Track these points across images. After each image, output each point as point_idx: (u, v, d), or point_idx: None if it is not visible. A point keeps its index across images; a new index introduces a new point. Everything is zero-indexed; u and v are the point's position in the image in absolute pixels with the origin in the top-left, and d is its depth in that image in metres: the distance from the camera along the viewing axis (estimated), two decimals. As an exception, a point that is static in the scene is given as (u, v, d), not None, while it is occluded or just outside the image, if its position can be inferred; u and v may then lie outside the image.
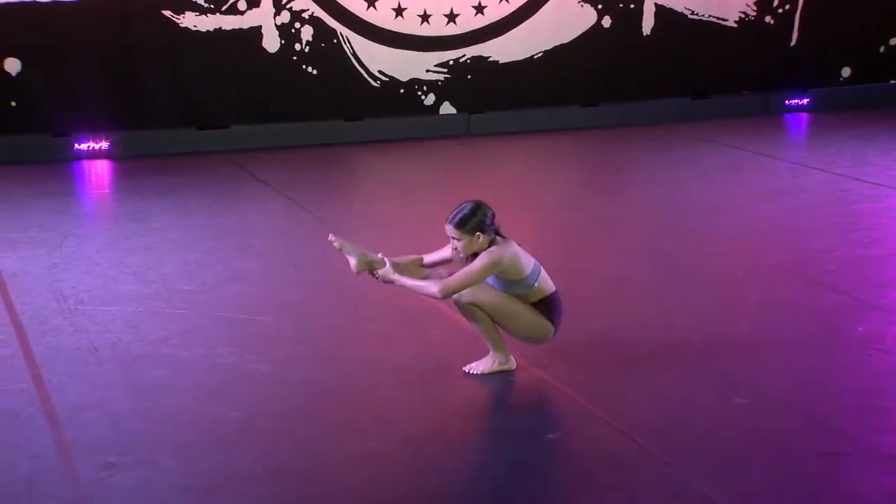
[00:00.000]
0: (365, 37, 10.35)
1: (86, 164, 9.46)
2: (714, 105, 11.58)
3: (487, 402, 4.86)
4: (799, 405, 4.71)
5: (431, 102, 10.66)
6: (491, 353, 4.99)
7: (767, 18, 11.65)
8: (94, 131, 9.63)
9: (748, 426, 4.51)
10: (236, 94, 10.05)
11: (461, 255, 4.87)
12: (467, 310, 4.90)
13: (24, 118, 9.49)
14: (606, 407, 4.64)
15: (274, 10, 10.01)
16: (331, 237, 4.99)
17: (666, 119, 11.22)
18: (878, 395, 4.83)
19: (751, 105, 11.74)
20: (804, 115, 11.74)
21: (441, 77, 10.66)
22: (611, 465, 4.20)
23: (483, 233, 4.80)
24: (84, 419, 4.55)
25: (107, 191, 8.87)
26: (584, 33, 11.02)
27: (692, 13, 11.38)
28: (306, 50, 10.16)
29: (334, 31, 10.23)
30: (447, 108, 10.72)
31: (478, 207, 4.83)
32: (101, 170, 9.36)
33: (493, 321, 4.93)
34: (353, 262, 4.93)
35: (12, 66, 9.39)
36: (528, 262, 4.88)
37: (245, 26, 9.96)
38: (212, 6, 9.81)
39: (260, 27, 10.01)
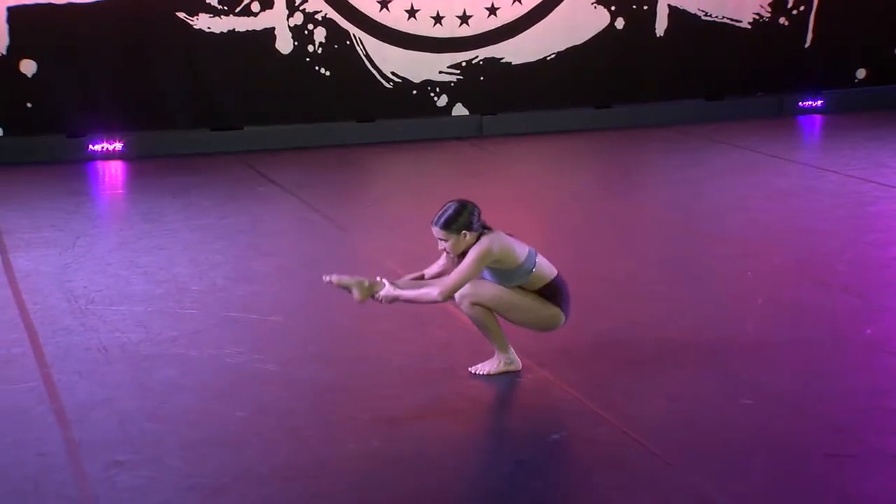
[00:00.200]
0: (378, 38, 10.38)
1: (100, 164, 9.53)
2: (727, 106, 11.55)
3: (492, 403, 4.88)
4: (804, 406, 4.71)
5: (444, 104, 10.68)
6: (496, 354, 5.00)
7: (781, 20, 11.62)
8: (108, 132, 9.69)
9: (752, 427, 4.51)
10: (249, 95, 10.10)
11: (451, 256, 4.89)
12: (472, 312, 4.91)
13: (40, 119, 9.56)
14: (611, 407, 4.64)
15: (287, 12, 10.05)
16: (325, 278, 4.94)
17: (679, 120, 11.20)
18: (885, 396, 4.82)
19: (764, 106, 11.71)
20: (818, 117, 11.70)
21: (454, 78, 10.67)
22: (614, 465, 4.21)
23: (469, 230, 4.81)
24: (92, 418, 4.58)
25: (120, 191, 8.93)
26: (597, 35, 11.01)
27: (706, 14, 11.36)
28: (319, 51, 10.19)
29: (347, 32, 10.27)
30: (460, 110, 10.73)
31: (462, 206, 4.83)
32: (114, 170, 9.42)
33: (502, 316, 4.93)
34: (355, 293, 4.91)
35: (28, 67, 9.46)
36: (521, 248, 4.87)
37: (258, 28, 10.00)
38: (225, 8, 9.86)
39: (273, 29, 10.05)
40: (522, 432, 4.58)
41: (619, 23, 11.06)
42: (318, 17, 10.15)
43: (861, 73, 11.97)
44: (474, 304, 4.89)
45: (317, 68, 10.21)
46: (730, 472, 4.15)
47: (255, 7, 9.95)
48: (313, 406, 4.73)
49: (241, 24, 9.94)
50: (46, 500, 3.97)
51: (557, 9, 10.85)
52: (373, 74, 10.41)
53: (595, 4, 10.97)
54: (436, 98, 10.65)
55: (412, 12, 10.46)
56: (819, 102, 11.80)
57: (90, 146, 9.65)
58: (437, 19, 10.54)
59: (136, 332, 5.53)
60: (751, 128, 10.93)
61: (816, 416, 4.62)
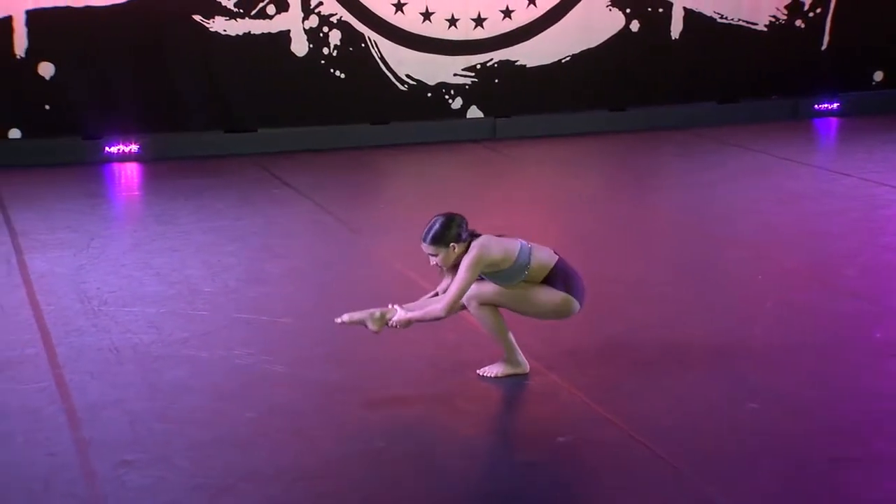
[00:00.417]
0: (393, 41, 10.41)
1: (115, 166, 9.59)
2: (742, 109, 11.54)
3: (500, 405, 4.90)
4: (811, 410, 4.71)
5: (459, 106, 10.70)
6: (505, 356, 5.02)
7: (798, 22, 11.60)
8: (125, 134, 9.75)
9: (759, 430, 4.51)
10: (264, 97, 10.14)
11: (442, 269, 4.91)
12: (480, 313, 4.93)
13: (57, 121, 9.63)
14: (618, 410, 4.66)
15: (302, 15, 10.09)
16: (337, 321, 4.97)
17: (694, 123, 11.20)
18: (892, 400, 4.82)
19: (779, 109, 11.68)
20: (834, 120, 11.67)
21: (468, 81, 10.69)
22: (620, 468, 4.23)
23: (458, 242, 4.83)
24: (102, 418, 4.62)
25: (135, 193, 8.98)
26: (612, 37, 11.02)
27: (721, 17, 11.35)
28: (334, 54, 10.23)
29: (362, 35, 10.30)
30: (474, 112, 10.76)
31: (449, 220, 4.85)
32: (129, 172, 9.48)
33: (514, 311, 4.95)
34: (369, 326, 4.94)
35: (46, 69, 9.53)
36: (511, 246, 4.87)
37: (274, 30, 10.04)
38: (241, 11, 9.91)
39: (288, 31, 10.09)
40: (529, 434, 4.60)
41: (634, 25, 11.06)
42: (334, 19, 10.19)
43: (878, 76, 11.94)
44: (482, 304, 4.91)
45: (332, 71, 10.25)
46: (735, 476, 4.16)
47: (271, 10, 10.00)
48: (321, 407, 4.77)
49: (257, 26, 9.99)
50: (56, 498, 4.01)
51: (572, 11, 10.86)
52: (388, 77, 10.44)
53: (610, 7, 10.98)
54: (450, 100, 10.68)
55: (427, 15, 10.49)
56: (835, 105, 11.77)
57: (106, 148, 9.71)
58: (452, 22, 10.57)
59: (147, 333, 5.58)
60: (765, 131, 10.91)
61: (823, 420, 4.62)
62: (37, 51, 9.47)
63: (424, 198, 8.72)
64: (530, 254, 4.88)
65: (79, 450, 4.35)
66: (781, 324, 5.73)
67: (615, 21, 11.02)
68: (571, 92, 10.96)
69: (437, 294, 5.03)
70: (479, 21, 10.63)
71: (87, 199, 8.38)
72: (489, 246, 4.81)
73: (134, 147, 9.75)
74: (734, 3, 11.35)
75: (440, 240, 4.82)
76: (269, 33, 10.03)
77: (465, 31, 10.61)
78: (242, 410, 4.71)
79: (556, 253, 4.99)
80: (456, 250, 4.83)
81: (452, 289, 4.81)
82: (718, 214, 7.99)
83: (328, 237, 7.45)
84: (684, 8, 11.19)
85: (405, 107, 10.52)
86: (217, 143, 10.06)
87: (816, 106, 11.74)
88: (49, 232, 7.42)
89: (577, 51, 10.94)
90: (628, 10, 11.02)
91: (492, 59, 10.73)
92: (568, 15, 10.86)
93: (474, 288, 4.87)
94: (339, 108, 10.32)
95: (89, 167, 9.46)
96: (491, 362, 5.07)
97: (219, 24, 9.88)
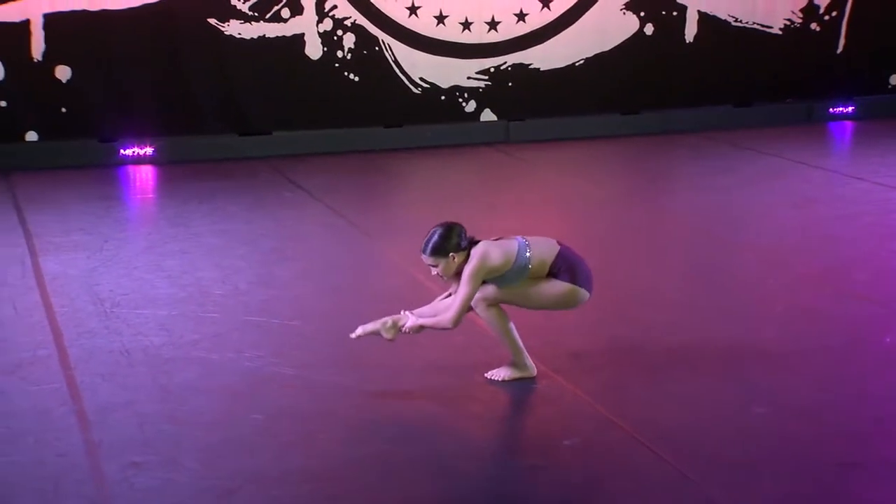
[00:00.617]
0: (407, 44, 10.45)
1: (130, 168, 9.66)
2: (756, 113, 11.51)
3: (507, 408, 4.92)
4: (819, 414, 4.70)
5: (472, 109, 10.73)
6: (512, 359, 5.04)
7: (813, 25, 11.57)
8: (140, 137, 9.82)
9: (766, 435, 4.51)
10: (279, 100, 10.20)
11: (444, 278, 4.93)
12: (488, 315, 4.95)
13: (73, 124, 9.71)
14: (625, 414, 4.67)
15: (317, 18, 10.14)
16: (352, 335, 5.02)
17: (707, 127, 11.18)
18: (900, 406, 4.81)
19: (794, 113, 11.65)
20: (849, 124, 11.63)
21: (482, 84, 10.72)
22: (625, 472, 4.24)
23: (458, 252, 4.84)
24: (112, 419, 4.67)
25: (149, 195, 9.05)
26: (626, 40, 11.02)
27: (736, 20, 11.34)
28: (348, 57, 10.28)
29: (376, 38, 10.34)
30: (488, 115, 10.78)
31: (448, 230, 4.86)
32: (144, 175, 9.55)
33: (522, 307, 4.97)
34: (385, 336, 4.98)
35: (63, 73, 9.61)
36: (510, 248, 4.88)
37: (288, 34, 10.10)
38: (256, 14, 9.97)
39: (303, 35, 10.15)
40: (535, 437, 4.62)
41: (649, 29, 11.06)
42: (348, 23, 10.23)
43: (894, 79, 11.89)
44: (490, 305, 4.93)
45: (346, 74, 10.30)
46: (741, 481, 4.15)
47: (285, 13, 10.05)
48: (329, 410, 4.79)
49: (272, 30, 10.05)
50: (65, 499, 4.05)
51: (586, 15, 10.87)
52: (401, 80, 10.48)
53: (624, 10, 10.98)
54: (464, 103, 10.70)
55: (441, 18, 10.52)
56: (850, 109, 11.73)
57: (121, 151, 9.78)
58: (466, 25, 10.60)
59: (158, 335, 5.62)
60: (779, 134, 10.89)
61: (831, 425, 4.62)
62: (54, 54, 9.55)
63: (437, 201, 8.74)
64: (529, 252, 4.88)
65: (88, 451, 4.39)
66: (791, 328, 5.72)
67: (629, 24, 11.03)
68: (585, 95, 10.97)
69: (449, 295, 5.05)
70: (492, 24, 10.66)
71: (101, 201, 8.44)
72: (488, 254, 4.83)
73: (149, 150, 9.82)
74: (749, 6, 11.33)
75: (439, 251, 4.84)
76: (284, 37, 10.09)
77: (479, 35, 10.63)
78: (251, 412, 4.74)
79: (558, 243, 4.99)
80: (456, 260, 4.85)
81: (456, 301, 4.84)
82: (731, 218, 7.98)
83: (340, 240, 7.48)
84: (699, 11, 11.18)
85: (419, 110, 10.55)
86: (231, 145, 10.12)
87: (831, 109, 11.71)
88: (63, 234, 7.49)
89: (590, 54, 10.95)
90: (642, 14, 11.02)
91: (506, 63, 10.75)
92: (582, 18, 10.87)
93: (480, 291, 4.89)
94: (353, 111, 10.36)
95: (104, 170, 9.53)
96: (498, 365, 5.09)
97: (234, 28, 9.95)
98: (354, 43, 10.27)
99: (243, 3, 9.92)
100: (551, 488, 4.12)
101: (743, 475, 4.19)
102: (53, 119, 9.65)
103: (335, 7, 10.17)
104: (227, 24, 9.93)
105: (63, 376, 5.11)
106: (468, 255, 4.85)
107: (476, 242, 4.90)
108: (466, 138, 10.63)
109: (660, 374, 5.10)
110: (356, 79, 10.32)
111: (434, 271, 4.92)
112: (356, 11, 10.24)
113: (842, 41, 11.69)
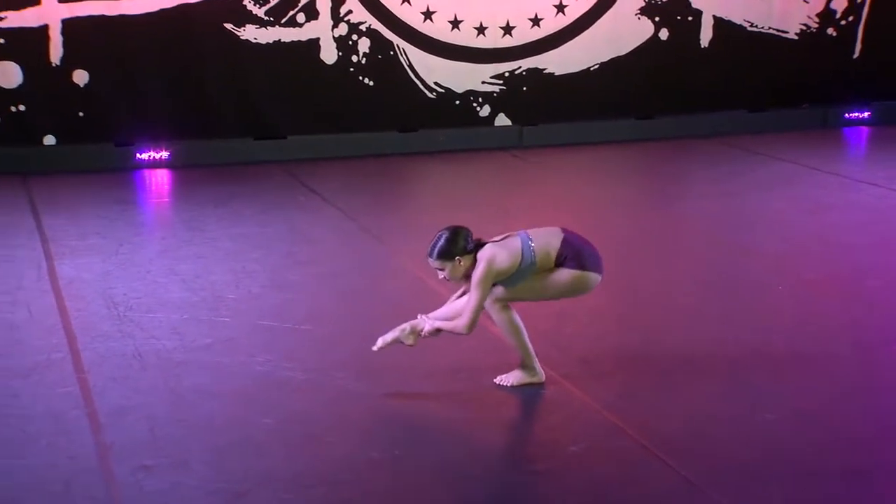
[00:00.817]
0: (421, 49, 10.48)
1: (146, 172, 9.72)
2: (771, 118, 11.49)
3: (515, 413, 4.95)
4: (826, 422, 4.71)
5: (486, 114, 10.76)
6: (521, 364, 5.07)
7: (830, 30, 11.54)
8: (156, 141, 9.89)
9: (773, 442, 4.52)
10: (294, 104, 10.25)
11: (450, 281, 4.96)
12: (502, 316, 4.97)
13: (90, 128, 9.77)
14: (632, 420, 4.69)
15: (332, 23, 10.19)
16: (374, 348, 5.07)
17: (722, 132, 11.17)
18: (908, 414, 4.81)
19: (809, 118, 11.62)
20: (864, 129, 11.60)
21: (497, 89, 10.75)
22: (630, 478, 4.26)
23: (464, 255, 4.87)
24: (124, 422, 4.71)
25: (164, 199, 9.11)
26: (641, 45, 11.02)
27: (751, 25, 11.32)
28: (363, 62, 10.32)
29: (391, 43, 10.38)
30: (502, 120, 10.81)
31: (454, 234, 4.89)
32: (160, 179, 9.62)
33: (535, 301, 4.98)
34: (406, 342, 5.03)
35: (81, 77, 9.69)
36: (514, 246, 4.90)
37: (303, 38, 10.15)
38: (271, 19, 10.02)
39: (318, 39, 10.19)
40: (541, 443, 4.64)
41: (664, 33, 11.06)
42: (363, 27, 10.27)
43: (912, 84, 11.85)
44: (503, 308, 4.96)
45: (360, 78, 10.34)
46: (747, 488, 4.17)
47: (301, 18, 10.10)
48: (339, 414, 4.83)
49: (287, 34, 10.10)
50: (75, 501, 4.10)
51: (601, 20, 10.88)
52: (416, 84, 10.52)
53: (639, 15, 10.99)
54: (478, 108, 10.73)
55: (456, 23, 10.55)
56: (866, 114, 11.69)
57: (137, 154, 9.85)
58: (481, 30, 10.62)
59: (171, 338, 5.67)
60: (794, 139, 10.87)
61: (837, 432, 4.62)
62: (72, 59, 9.62)
63: (450, 206, 8.77)
64: (533, 245, 4.90)
65: (99, 454, 4.44)
66: (800, 334, 5.73)
67: (644, 29, 11.03)
68: (599, 100, 10.97)
69: (464, 293, 5.06)
70: (507, 29, 10.68)
71: (117, 205, 8.51)
72: (495, 258, 4.85)
73: (164, 154, 9.89)
74: (765, 11, 11.31)
75: (446, 254, 4.87)
76: (299, 41, 10.13)
77: (493, 40, 10.66)
78: (261, 416, 4.78)
79: (562, 229, 5.01)
80: (462, 263, 4.88)
81: (468, 308, 4.86)
82: (743, 224, 7.98)
83: (353, 245, 7.52)
84: (714, 16, 11.17)
85: (433, 114, 10.59)
86: (246, 149, 10.17)
87: (847, 115, 11.67)
88: (79, 238, 7.55)
89: (605, 59, 10.96)
90: (657, 19, 11.02)
91: (520, 67, 10.77)
92: (597, 23, 10.87)
93: (491, 294, 4.92)
94: (368, 115, 10.40)
95: (121, 173, 9.60)
96: (508, 370, 5.12)
97: (249, 33, 10.00)
98: (369, 47, 10.31)
99: (259, 8, 9.98)
100: (556, 494, 4.14)
101: (749, 482, 4.21)
102: (71, 123, 9.72)
103: (350, 12, 10.21)
104: (243, 28, 9.98)
105: (76, 379, 5.16)
106: (474, 259, 4.88)
107: (482, 245, 4.92)
108: (480, 143, 10.65)
109: (668, 381, 5.12)
110: (371, 83, 10.36)
111: (441, 275, 4.95)
112: (371, 16, 10.28)
113: (858, 46, 11.66)
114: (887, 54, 11.61)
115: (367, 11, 10.26)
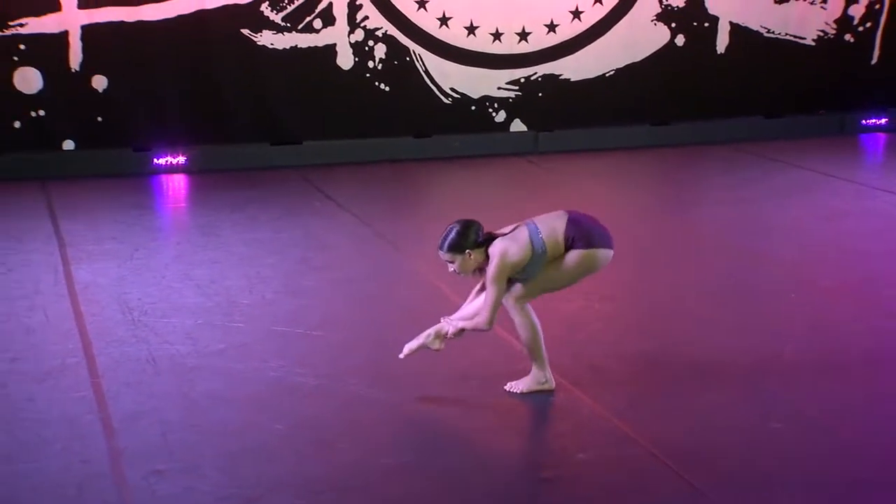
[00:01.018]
0: (437, 54, 10.51)
1: (163, 178, 9.78)
2: (787, 124, 11.47)
3: (524, 421, 4.96)
4: (836, 431, 4.71)
5: (502, 119, 10.78)
6: (532, 371, 5.08)
7: (847, 36, 11.51)
8: (173, 146, 9.95)
9: (782, 451, 4.52)
10: (310, 110, 10.29)
11: (460, 275, 4.97)
12: (521, 316, 4.97)
13: (109, 133, 9.84)
14: (641, 428, 4.69)
15: (348, 29, 10.23)
16: (401, 356, 5.11)
17: (738, 138, 11.15)
18: (920, 423, 4.80)
19: (825, 125, 11.59)
20: (882, 136, 11.56)
21: (512, 94, 10.76)
22: (639, 486, 4.26)
23: (474, 249, 4.88)
24: (136, 427, 4.75)
25: (181, 204, 9.16)
26: (656, 51, 11.02)
27: (768, 31, 11.31)
28: (379, 67, 10.36)
29: (407, 48, 10.42)
30: (518, 126, 10.83)
31: (465, 227, 4.91)
32: (177, 184, 9.67)
33: (553, 289, 4.99)
34: (434, 347, 5.06)
35: (99, 82, 9.76)
36: (523, 237, 4.89)
37: (320, 44, 10.20)
38: (288, 25, 10.08)
39: (334, 45, 10.24)
40: (551, 450, 4.65)
41: (680, 40, 11.06)
42: (379, 33, 10.31)
43: (930, 91, 11.81)
44: (523, 308, 4.97)
45: (376, 84, 10.37)
46: (755, 497, 4.17)
47: (318, 24, 10.15)
48: (350, 420, 4.85)
49: (304, 40, 10.15)
50: (88, 505, 4.14)
51: (617, 26, 10.88)
52: (432, 90, 10.55)
53: (655, 21, 10.99)
54: (494, 114, 10.75)
55: (472, 29, 10.57)
56: (883, 121, 11.65)
57: (155, 160, 9.92)
58: (497, 36, 10.65)
59: (184, 344, 5.71)
60: (810, 146, 10.84)
61: (846, 442, 4.62)
62: (91, 64, 9.70)
63: (465, 212, 8.71)
64: (541, 237, 4.89)
65: (112, 458, 4.48)
66: (813, 342, 5.72)
67: (660, 35, 11.02)
68: (615, 106, 10.98)
69: (481, 290, 5.07)
70: (523, 35, 10.70)
71: (134, 210, 8.56)
72: (507, 251, 4.85)
73: (182, 159, 9.95)
74: (782, 17, 11.30)
75: (456, 247, 4.89)
76: (316, 47, 10.18)
77: (509, 45, 10.68)
78: (273, 422, 4.81)
79: (566, 212, 5.01)
80: (472, 257, 4.89)
81: (487, 303, 4.87)
82: (758, 231, 7.97)
83: (367, 250, 7.55)
84: (731, 22, 11.16)
85: (449, 120, 10.61)
86: (263, 155, 10.23)
87: (864, 121, 11.63)
88: (96, 242, 7.61)
89: (621, 65, 10.96)
90: (673, 25, 11.02)
91: (536, 73, 10.79)
92: (612, 29, 10.88)
93: (509, 293, 4.93)
94: (384, 120, 10.44)
95: (138, 178, 9.66)
96: (519, 377, 5.13)
97: (266, 38, 10.06)
98: (385, 53, 10.35)
99: (276, 14, 10.03)
100: (565, 502, 4.15)
101: (758, 491, 4.21)
102: (90, 128, 9.79)
103: (367, 18, 10.25)
104: (259, 34, 10.04)
105: (90, 384, 5.21)
106: (485, 253, 4.89)
107: (492, 239, 4.93)
108: (496, 149, 10.67)
109: (678, 389, 5.12)
110: (387, 89, 10.40)
111: (451, 268, 4.96)
112: (387, 22, 10.32)
113: (876, 52, 11.63)
114: (906, 60, 11.58)
115: (383, 17, 10.30)
